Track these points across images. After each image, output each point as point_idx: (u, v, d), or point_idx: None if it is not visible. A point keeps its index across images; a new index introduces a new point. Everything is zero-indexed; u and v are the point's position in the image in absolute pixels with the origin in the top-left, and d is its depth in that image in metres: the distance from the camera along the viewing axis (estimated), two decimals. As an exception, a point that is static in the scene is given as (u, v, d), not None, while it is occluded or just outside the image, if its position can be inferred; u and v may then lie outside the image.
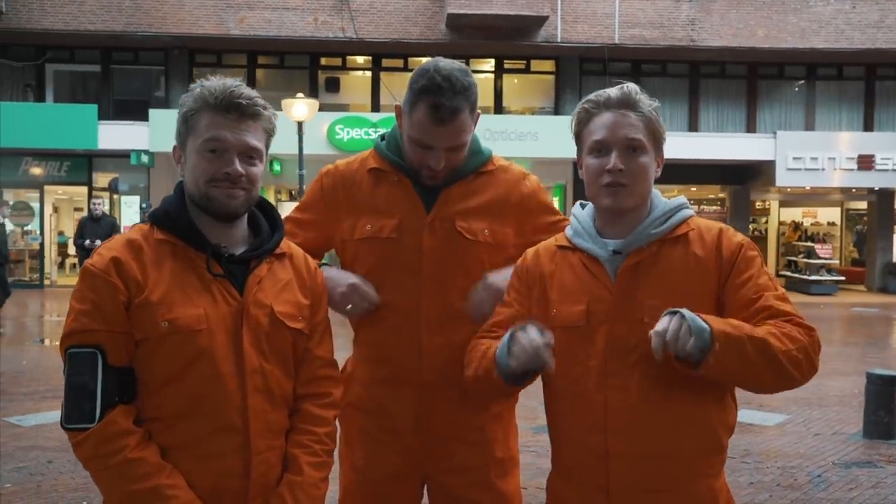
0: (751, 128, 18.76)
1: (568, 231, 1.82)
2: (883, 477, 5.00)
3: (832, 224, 22.05)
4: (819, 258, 18.65)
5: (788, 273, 19.79)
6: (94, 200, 12.29)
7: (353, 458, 2.07)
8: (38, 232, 17.97)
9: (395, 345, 2.00)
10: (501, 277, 1.94)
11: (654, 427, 1.63)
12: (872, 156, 17.55)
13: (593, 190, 1.72)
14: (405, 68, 17.57)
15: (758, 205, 21.85)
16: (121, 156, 16.76)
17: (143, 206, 17.06)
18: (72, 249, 16.85)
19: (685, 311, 1.52)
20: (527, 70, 18.73)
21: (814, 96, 18.92)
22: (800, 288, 18.56)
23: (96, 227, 11.69)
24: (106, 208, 14.42)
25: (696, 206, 20.40)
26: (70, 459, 4.87)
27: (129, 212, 17.48)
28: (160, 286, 1.60)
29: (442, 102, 1.86)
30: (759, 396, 7.18)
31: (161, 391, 1.60)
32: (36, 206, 18.01)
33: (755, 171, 18.54)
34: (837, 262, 20.05)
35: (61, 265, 19.76)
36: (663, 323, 1.52)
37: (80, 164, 17.95)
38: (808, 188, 19.26)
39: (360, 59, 18.52)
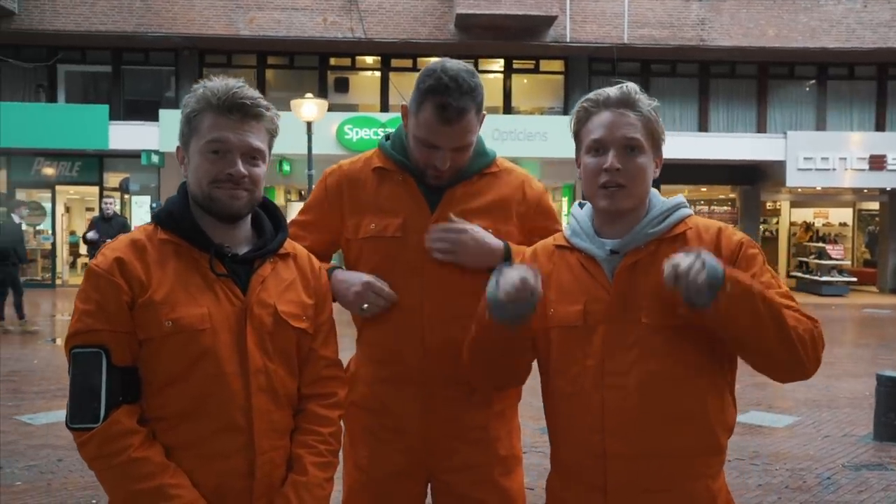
0: (761, 128, 18.67)
1: (566, 230, 1.82)
2: (893, 479, 4.96)
3: (844, 225, 21.92)
4: (830, 259, 18.54)
5: (799, 274, 19.67)
6: (105, 200, 12.38)
7: (356, 457, 2.07)
8: (49, 231, 18.11)
9: (398, 344, 2.00)
10: (480, 230, 1.96)
11: (651, 427, 1.62)
12: (884, 156, 17.43)
13: (591, 190, 1.72)
14: (414, 68, 17.59)
15: (768, 205, 21.75)
16: (131, 156, 16.87)
17: (154, 205, 17.14)
18: (83, 249, 16.98)
19: (703, 250, 1.51)
20: (536, 70, 18.72)
21: (824, 96, 18.81)
22: (811, 289, 18.45)
23: (107, 226, 11.77)
24: (117, 208, 14.50)
25: (707, 207, 20.34)
26: (80, 458, 4.89)
27: (140, 211, 17.56)
28: (164, 286, 1.60)
29: (449, 102, 1.86)
30: (770, 397, 7.18)
31: (165, 391, 1.60)
32: (48, 205, 18.14)
33: (765, 171, 18.45)
34: (849, 262, 19.92)
35: (73, 265, 19.88)
36: (679, 256, 1.51)
37: (91, 165, 18.09)
38: (819, 188, 19.15)
39: (370, 60, 18.56)
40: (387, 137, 2.12)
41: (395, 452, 2.02)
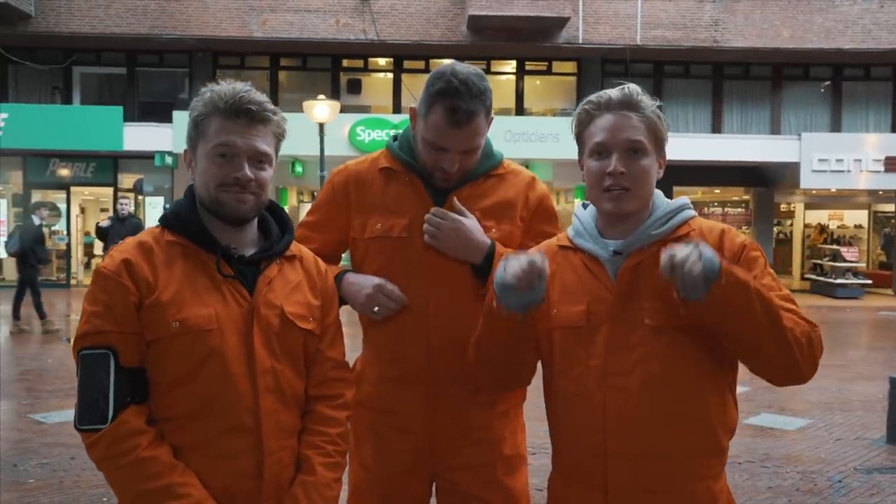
0: (775, 129, 18.55)
1: (569, 231, 1.82)
2: (905, 483, 4.93)
3: (859, 227, 21.74)
4: (845, 261, 18.39)
5: (814, 276, 19.52)
6: (121, 201, 12.48)
7: (362, 456, 2.09)
8: (64, 232, 18.27)
9: (404, 343, 2.01)
10: (473, 225, 1.96)
11: (653, 427, 1.62)
12: (900, 157, 17.29)
13: (594, 193, 1.72)
14: (426, 70, 17.56)
15: (782, 207, 21.62)
16: (145, 157, 16.99)
17: (167, 207, 17.25)
18: (98, 249, 17.10)
19: (702, 242, 1.51)
20: (548, 71, 18.68)
21: (840, 97, 18.68)
22: (825, 291, 18.31)
23: (121, 227, 11.88)
24: (131, 209, 14.61)
25: (720, 209, 20.23)
26: (92, 457, 4.94)
27: (154, 213, 17.69)
28: (171, 287, 1.62)
29: (459, 105, 1.88)
30: (781, 399, 7.14)
31: (172, 391, 1.61)
32: (63, 206, 18.29)
33: (780, 172, 18.32)
34: (864, 265, 19.76)
35: (87, 265, 20.04)
36: (677, 247, 1.51)
37: (105, 166, 18.23)
38: (833, 190, 19.01)
39: (382, 61, 18.60)
40: (394, 138, 2.14)
41: (401, 452, 2.03)
